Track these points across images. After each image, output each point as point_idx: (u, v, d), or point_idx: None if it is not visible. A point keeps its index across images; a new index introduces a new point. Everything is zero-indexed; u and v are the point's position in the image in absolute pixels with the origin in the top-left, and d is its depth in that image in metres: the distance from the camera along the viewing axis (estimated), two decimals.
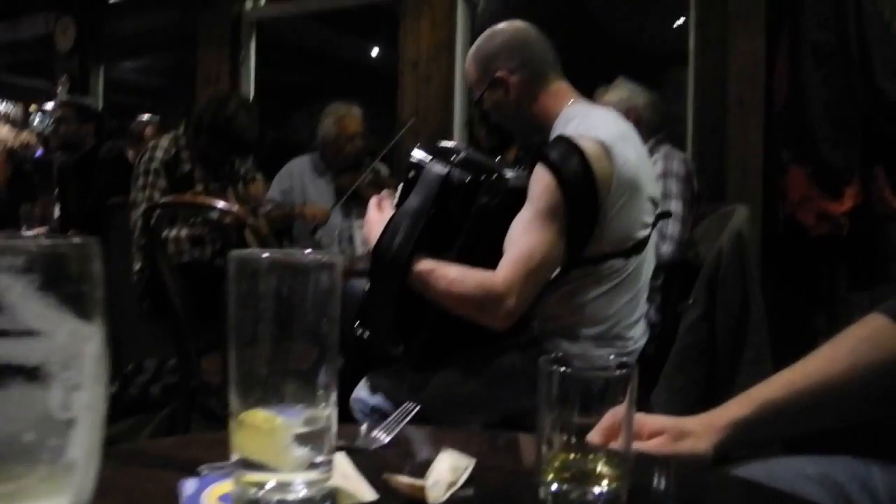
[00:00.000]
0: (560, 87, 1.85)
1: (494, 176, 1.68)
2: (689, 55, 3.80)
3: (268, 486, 0.64)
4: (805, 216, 2.85)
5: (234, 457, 0.65)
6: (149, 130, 5.45)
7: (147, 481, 0.74)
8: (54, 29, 6.28)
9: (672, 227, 2.85)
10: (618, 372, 0.70)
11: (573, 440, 0.71)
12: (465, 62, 1.96)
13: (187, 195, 2.71)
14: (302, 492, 0.65)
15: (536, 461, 0.72)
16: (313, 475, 0.65)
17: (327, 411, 0.66)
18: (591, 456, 0.71)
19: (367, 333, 1.79)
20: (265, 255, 0.65)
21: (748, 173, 3.43)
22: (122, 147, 4.68)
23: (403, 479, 0.68)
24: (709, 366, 1.78)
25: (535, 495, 0.71)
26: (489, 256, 1.62)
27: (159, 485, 0.71)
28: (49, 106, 6.37)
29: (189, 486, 0.69)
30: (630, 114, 3.01)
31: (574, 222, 1.63)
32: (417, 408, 0.90)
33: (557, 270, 1.74)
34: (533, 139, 1.89)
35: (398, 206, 1.74)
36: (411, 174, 1.74)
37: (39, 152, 5.79)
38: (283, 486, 0.65)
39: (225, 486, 0.68)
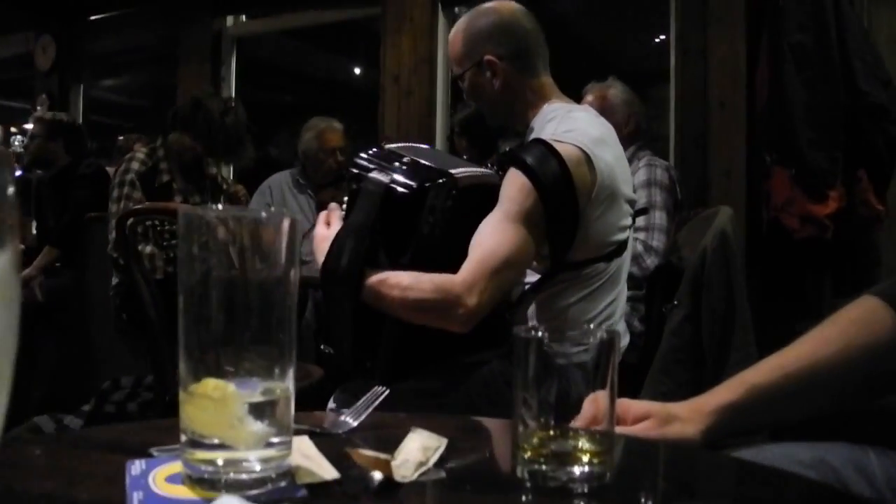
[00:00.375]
0: (545, 82, 1.80)
1: (441, 179, 1.58)
2: (671, 61, 3.79)
3: (220, 464, 0.59)
4: (789, 219, 2.83)
5: (185, 434, 0.60)
6: (137, 147, 5.38)
7: (94, 463, 0.69)
8: (34, 48, 6.22)
9: (657, 240, 2.83)
10: (599, 336, 0.65)
11: (552, 415, 0.67)
12: (447, 75, 1.88)
13: (162, 203, 2.65)
14: (257, 469, 0.60)
15: (514, 438, 0.67)
16: (270, 452, 0.60)
17: (285, 383, 0.61)
18: (571, 433, 0.67)
19: (330, 350, 1.72)
20: (215, 208, 0.60)
21: (732, 176, 3.41)
22: (101, 163, 4.61)
23: (367, 453, 0.63)
24: (694, 368, 1.74)
25: (512, 475, 0.66)
26: (446, 262, 1.53)
27: (106, 466, 0.66)
28: (30, 126, 6.32)
29: (136, 466, 0.64)
30: (631, 120, 3.02)
31: (554, 227, 1.57)
32: (387, 391, 0.86)
33: (538, 277, 1.70)
34: (506, 127, 1.81)
35: (346, 220, 1.64)
36: (353, 186, 1.63)
37: (19, 172, 5.71)
38: (236, 464, 0.59)
39: (175, 466, 0.63)
